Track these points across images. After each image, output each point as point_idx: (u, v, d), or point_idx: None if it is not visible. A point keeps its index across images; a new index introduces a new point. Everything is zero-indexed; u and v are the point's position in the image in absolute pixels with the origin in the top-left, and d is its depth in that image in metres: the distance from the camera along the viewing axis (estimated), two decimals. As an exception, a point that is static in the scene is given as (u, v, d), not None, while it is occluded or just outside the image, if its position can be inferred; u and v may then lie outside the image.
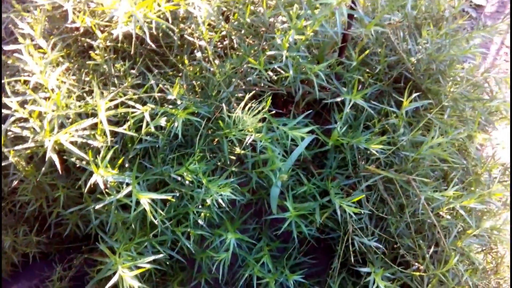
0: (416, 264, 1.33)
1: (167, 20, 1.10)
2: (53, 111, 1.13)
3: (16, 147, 1.17)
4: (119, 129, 1.18)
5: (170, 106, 1.26)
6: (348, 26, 1.36)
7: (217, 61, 1.37)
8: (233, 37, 1.42)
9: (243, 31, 1.41)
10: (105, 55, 1.30)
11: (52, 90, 1.15)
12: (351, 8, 1.23)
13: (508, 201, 1.47)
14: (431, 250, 1.31)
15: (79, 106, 1.17)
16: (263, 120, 1.29)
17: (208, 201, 1.32)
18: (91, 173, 1.19)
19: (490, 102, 1.40)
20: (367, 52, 1.43)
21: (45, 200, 1.34)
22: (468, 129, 1.36)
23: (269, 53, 1.31)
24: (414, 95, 1.35)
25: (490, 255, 1.54)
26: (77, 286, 1.52)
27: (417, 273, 1.31)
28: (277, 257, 1.55)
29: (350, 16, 1.31)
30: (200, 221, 1.32)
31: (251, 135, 1.31)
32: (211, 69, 1.30)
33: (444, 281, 1.30)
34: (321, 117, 1.60)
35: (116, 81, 1.28)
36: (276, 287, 1.45)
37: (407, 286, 1.36)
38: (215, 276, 1.60)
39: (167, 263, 1.54)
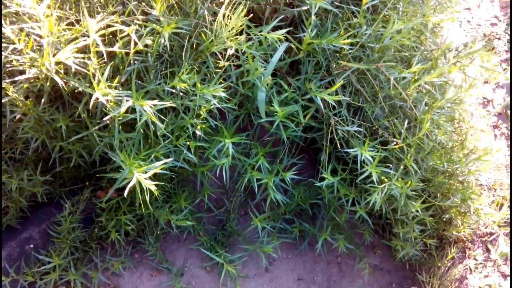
0: (395, 140, 1.50)
1: None
2: (47, 36, 1.19)
3: (16, 78, 1.23)
4: (112, 49, 1.26)
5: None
6: None
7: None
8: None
9: None
10: (83, -12, 1.36)
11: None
12: None
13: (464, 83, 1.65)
14: (405, 125, 1.48)
15: (70, 30, 1.24)
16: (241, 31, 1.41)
17: (203, 113, 1.43)
18: (88, 100, 1.27)
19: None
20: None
21: (46, 136, 1.40)
22: (421, 15, 1.52)
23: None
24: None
25: (455, 133, 1.74)
26: (88, 219, 1.59)
27: (397, 146, 1.48)
28: (270, 163, 1.68)
29: None
30: (198, 132, 1.43)
31: (232, 47, 1.42)
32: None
33: (420, 149, 1.48)
34: (290, 33, 1.73)
35: (99, 10, 1.35)
36: (276, 189, 1.59)
37: (389, 162, 1.53)
38: (217, 190, 1.72)
39: (169, 185, 1.64)
